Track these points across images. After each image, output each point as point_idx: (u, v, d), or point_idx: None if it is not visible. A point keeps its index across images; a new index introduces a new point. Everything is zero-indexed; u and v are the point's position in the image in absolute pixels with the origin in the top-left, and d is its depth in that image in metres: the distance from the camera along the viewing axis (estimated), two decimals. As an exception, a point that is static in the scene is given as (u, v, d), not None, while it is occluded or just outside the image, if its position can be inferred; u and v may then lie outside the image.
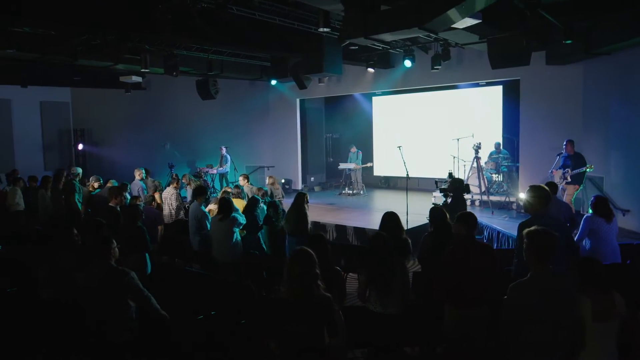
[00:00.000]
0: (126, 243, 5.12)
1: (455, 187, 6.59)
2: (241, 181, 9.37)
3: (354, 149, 13.87)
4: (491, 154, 11.81)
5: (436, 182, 8.02)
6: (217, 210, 7.14)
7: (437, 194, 12.00)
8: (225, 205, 6.43)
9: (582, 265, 3.08)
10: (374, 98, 15.25)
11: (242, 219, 6.73)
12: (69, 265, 4.51)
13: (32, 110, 14.63)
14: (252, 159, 15.25)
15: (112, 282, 3.83)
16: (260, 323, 3.32)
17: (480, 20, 6.11)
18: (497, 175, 11.66)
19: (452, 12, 5.13)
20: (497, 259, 3.79)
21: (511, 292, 3.09)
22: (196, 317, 4.64)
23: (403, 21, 5.56)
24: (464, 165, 12.00)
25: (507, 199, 10.80)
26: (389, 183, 15.58)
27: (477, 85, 12.52)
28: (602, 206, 5.26)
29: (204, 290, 5.24)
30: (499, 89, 12.61)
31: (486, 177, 11.16)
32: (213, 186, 13.70)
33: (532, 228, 3.13)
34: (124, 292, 3.86)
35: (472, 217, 3.82)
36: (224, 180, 14.47)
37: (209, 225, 6.68)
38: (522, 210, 10.16)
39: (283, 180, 14.80)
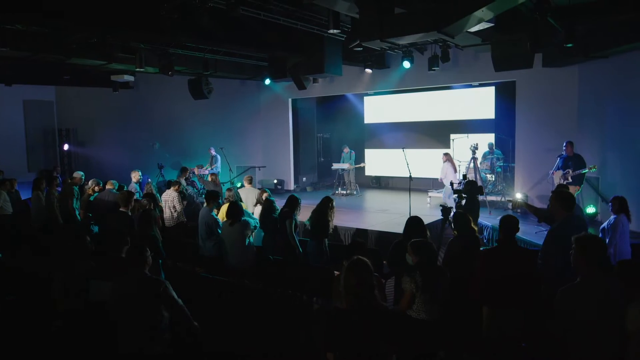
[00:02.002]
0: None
1: (469, 188, 6.68)
2: (246, 184, 9.10)
3: (346, 149, 13.87)
4: (485, 155, 11.97)
5: (451, 183, 8.07)
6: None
7: (433, 193, 12.15)
8: (234, 209, 6.33)
9: (628, 268, 3.10)
10: (365, 98, 15.26)
11: (254, 223, 6.65)
12: (84, 274, 4.38)
13: (14, 109, 14.21)
14: (243, 159, 15.10)
15: (148, 292, 3.72)
16: (319, 334, 3.27)
17: (493, 24, 6.17)
18: (491, 175, 11.82)
19: (473, 17, 5.17)
20: (534, 263, 3.84)
21: (561, 297, 3.11)
22: (223, 326, 4.57)
23: (421, 25, 5.57)
24: (459, 166, 12.14)
25: (503, 199, 10.97)
26: (380, 183, 15.64)
27: (470, 86, 12.66)
28: (626, 206, 5.40)
29: (225, 298, 5.16)
30: (491, 90, 12.78)
31: (481, 178, 11.30)
32: (203, 187, 13.50)
33: (583, 235, 3.18)
34: (159, 302, 3.75)
35: (510, 221, 3.86)
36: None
37: (220, 232, 6.56)
38: (518, 210, 10.36)
39: (275, 181, 14.73)
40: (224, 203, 7.66)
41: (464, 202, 6.82)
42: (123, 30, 7.62)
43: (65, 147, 14.70)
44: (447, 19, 5.32)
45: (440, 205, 7.63)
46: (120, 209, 6.20)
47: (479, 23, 5.62)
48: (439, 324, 3.63)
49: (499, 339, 3.78)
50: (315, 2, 5.96)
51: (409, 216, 9.66)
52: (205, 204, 6.77)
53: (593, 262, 3.08)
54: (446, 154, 10.68)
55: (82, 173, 10.30)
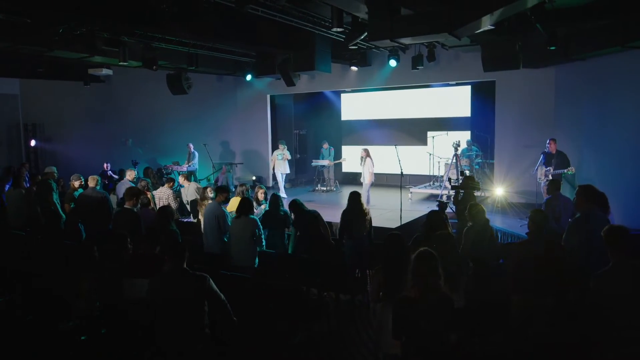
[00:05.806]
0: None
1: (467, 184, 6.95)
2: (182, 181, 9.34)
3: (326, 145, 13.98)
4: (463, 151, 12.37)
5: (450, 179, 8.34)
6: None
7: (414, 189, 12.48)
8: (245, 204, 6.29)
9: None
10: (342, 95, 15.42)
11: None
12: (117, 274, 4.28)
13: (-25, 103, 13.42)
14: (221, 155, 14.92)
15: (192, 287, 3.69)
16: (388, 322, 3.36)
17: (493, 27, 6.42)
18: (469, 171, 12.24)
19: (485, 19, 5.39)
20: (565, 252, 4.09)
21: (596, 281, 3.39)
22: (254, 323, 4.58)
23: (433, 26, 5.75)
24: (439, 162, 12.52)
25: (482, 194, 11.39)
26: (357, 179, 15.84)
27: (447, 84, 13.05)
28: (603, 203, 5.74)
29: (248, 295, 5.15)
30: (467, 89, 13.23)
31: (462, 174, 11.68)
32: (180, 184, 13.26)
33: (613, 225, 3.59)
34: (203, 297, 3.73)
35: (541, 214, 4.10)
36: (192, 177, 14.07)
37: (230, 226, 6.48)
38: (498, 205, 10.82)
39: (254, 178, 14.64)
40: (234, 197, 7.62)
41: (460, 197, 7.08)
42: (121, 23, 7.40)
43: (32, 142, 14.00)
44: (460, 21, 5.52)
45: (437, 201, 7.92)
46: (125, 206, 6.05)
47: (486, 25, 5.85)
48: (465, 311, 3.81)
49: (529, 326, 4.00)
50: (333, 3, 5.98)
51: (400, 212, 10.08)
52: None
53: (622, 249, 3.40)
54: (365, 150, 10.73)
55: (54, 168, 9.95)
